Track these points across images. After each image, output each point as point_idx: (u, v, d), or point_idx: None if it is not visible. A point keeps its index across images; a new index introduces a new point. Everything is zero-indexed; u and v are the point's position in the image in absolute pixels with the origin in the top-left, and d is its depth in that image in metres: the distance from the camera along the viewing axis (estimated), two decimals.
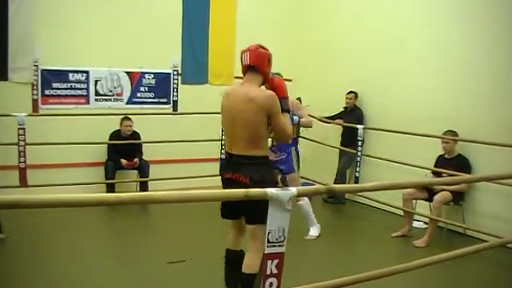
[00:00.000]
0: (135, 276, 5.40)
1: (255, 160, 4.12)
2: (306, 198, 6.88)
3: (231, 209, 4.29)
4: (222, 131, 8.55)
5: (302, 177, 9.23)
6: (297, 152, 6.80)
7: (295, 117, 6.53)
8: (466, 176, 6.51)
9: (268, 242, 2.78)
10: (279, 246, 2.80)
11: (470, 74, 7.28)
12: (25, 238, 6.39)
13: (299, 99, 9.03)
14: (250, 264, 4.06)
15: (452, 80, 7.52)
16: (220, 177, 4.45)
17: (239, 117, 4.12)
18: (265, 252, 2.80)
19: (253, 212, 3.91)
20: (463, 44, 7.38)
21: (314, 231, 6.99)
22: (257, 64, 4.28)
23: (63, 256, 5.87)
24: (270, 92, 4.16)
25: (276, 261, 2.82)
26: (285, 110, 4.20)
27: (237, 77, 9.82)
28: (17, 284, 5.12)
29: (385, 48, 8.56)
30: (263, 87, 4.35)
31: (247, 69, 4.32)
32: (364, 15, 9.04)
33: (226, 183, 4.23)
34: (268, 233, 2.76)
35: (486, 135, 6.74)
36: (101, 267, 5.65)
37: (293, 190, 2.79)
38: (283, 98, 4.22)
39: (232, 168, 4.18)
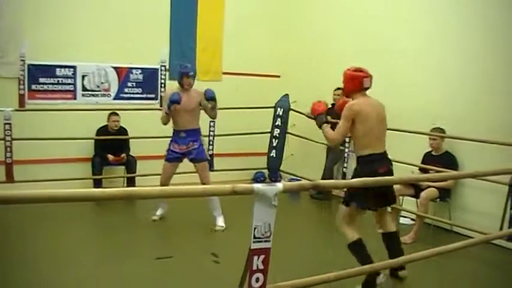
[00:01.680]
0: (122, 272, 5.38)
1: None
2: None
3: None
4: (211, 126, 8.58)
5: (289, 173, 9.28)
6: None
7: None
8: (452, 173, 6.54)
9: (254, 237, 2.78)
10: (265, 241, 2.81)
11: (457, 71, 7.31)
12: (10, 234, 6.35)
13: (286, 95, 9.06)
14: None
15: (440, 77, 7.54)
16: None
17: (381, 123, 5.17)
18: (251, 247, 2.80)
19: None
20: (450, 41, 7.41)
21: (222, 222, 6.98)
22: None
23: (48, 252, 5.83)
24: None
25: (262, 256, 2.83)
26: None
27: (225, 73, 9.85)
28: (2, 281, 5.08)
29: (372, 45, 8.56)
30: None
31: (366, 89, 5.28)
32: (352, 12, 9.05)
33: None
34: (254, 228, 2.77)
35: (473, 133, 6.77)
36: (87, 263, 5.63)
37: (279, 186, 2.79)
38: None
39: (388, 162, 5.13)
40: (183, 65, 7.05)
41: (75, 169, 8.47)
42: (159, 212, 7.22)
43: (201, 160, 6.87)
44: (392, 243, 5.29)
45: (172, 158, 6.88)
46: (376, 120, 5.08)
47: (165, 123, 6.80)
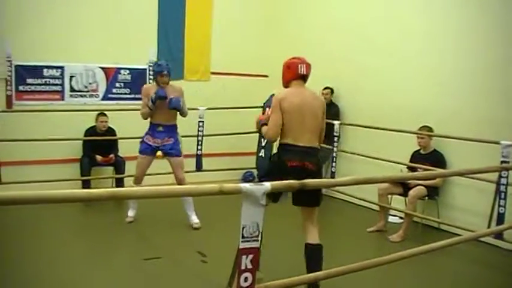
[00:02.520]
0: (110, 273, 5.38)
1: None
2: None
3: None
4: (200, 126, 8.57)
5: None
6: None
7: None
8: (439, 171, 6.56)
9: (243, 237, 2.77)
10: (254, 241, 2.80)
11: (445, 70, 7.35)
12: None
13: (274, 95, 9.04)
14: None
15: (427, 76, 7.58)
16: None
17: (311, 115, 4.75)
18: (240, 247, 2.80)
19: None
20: (436, 39, 7.45)
21: (197, 218, 7.05)
22: (308, 74, 5.00)
23: (35, 254, 5.81)
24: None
25: (250, 256, 2.82)
26: None
27: (213, 73, 9.84)
28: None
29: (359, 45, 8.60)
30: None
31: (301, 77, 4.97)
32: (338, 12, 9.09)
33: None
34: (243, 228, 2.76)
35: (461, 131, 6.80)
36: (75, 264, 5.60)
37: (267, 185, 2.79)
38: None
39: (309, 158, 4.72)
40: (157, 64, 7.13)
41: (64, 170, 8.43)
42: (131, 213, 7.21)
43: (175, 156, 6.94)
44: (312, 257, 4.80)
45: (145, 150, 6.94)
46: (303, 111, 4.73)
47: (145, 118, 6.91)
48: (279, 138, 4.85)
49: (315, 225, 4.96)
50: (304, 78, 4.96)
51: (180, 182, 6.93)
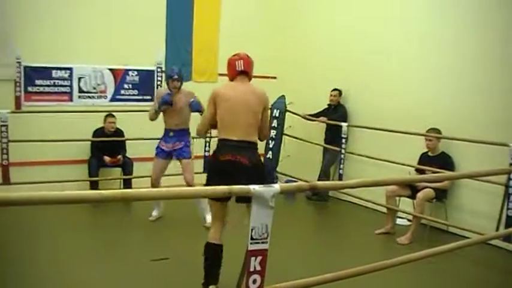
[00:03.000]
0: (117, 274, 5.39)
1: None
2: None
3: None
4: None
5: (286, 175, 9.27)
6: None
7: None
8: (447, 173, 6.54)
9: (252, 238, 2.78)
10: (263, 243, 2.80)
11: (453, 71, 7.33)
12: (6, 236, 6.33)
13: (283, 96, 9.05)
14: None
15: (435, 77, 7.56)
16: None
17: (247, 110, 4.73)
18: (249, 249, 2.80)
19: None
20: (444, 42, 7.43)
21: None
22: (249, 70, 4.97)
23: (45, 254, 5.83)
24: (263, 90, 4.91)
25: (259, 258, 2.82)
26: None
27: (221, 74, 9.83)
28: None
29: (367, 47, 8.59)
30: None
31: (242, 73, 4.93)
32: (346, 14, 9.07)
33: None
34: (252, 229, 2.76)
35: (469, 133, 6.79)
36: (83, 265, 5.61)
37: (276, 187, 2.79)
38: None
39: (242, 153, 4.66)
40: (170, 68, 7.26)
41: (72, 171, 8.46)
42: (155, 213, 7.33)
43: (183, 158, 7.00)
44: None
45: (158, 153, 7.05)
46: (236, 106, 4.72)
47: (152, 120, 6.98)
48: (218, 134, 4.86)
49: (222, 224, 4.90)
50: (244, 74, 4.93)
51: (188, 183, 6.95)
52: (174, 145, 6.97)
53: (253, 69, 5.02)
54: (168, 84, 6.97)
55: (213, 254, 4.73)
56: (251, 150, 4.74)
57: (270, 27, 10.31)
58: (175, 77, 6.89)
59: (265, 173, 4.98)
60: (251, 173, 4.56)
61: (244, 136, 4.70)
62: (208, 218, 6.93)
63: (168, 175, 7.32)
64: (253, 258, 2.82)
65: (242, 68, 4.91)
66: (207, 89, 9.25)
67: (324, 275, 3.26)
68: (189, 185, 6.92)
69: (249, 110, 4.74)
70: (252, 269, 2.82)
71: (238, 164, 4.60)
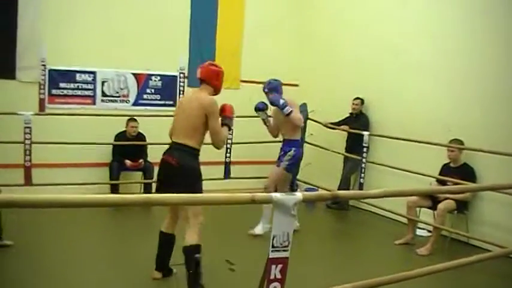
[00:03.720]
0: (136, 277, 5.40)
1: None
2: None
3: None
4: (230, 135, 8.60)
5: (306, 183, 9.25)
6: (296, 154, 7.04)
7: (287, 108, 6.76)
8: (470, 185, 6.49)
9: (273, 246, 2.78)
10: (284, 251, 2.80)
11: (476, 83, 7.28)
12: (26, 238, 6.37)
13: (305, 104, 9.05)
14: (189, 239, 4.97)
15: (458, 89, 7.52)
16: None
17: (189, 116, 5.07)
18: (270, 256, 2.80)
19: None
20: (469, 54, 7.38)
21: (260, 231, 6.99)
22: (206, 78, 5.22)
23: (64, 257, 5.86)
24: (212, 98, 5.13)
25: (280, 266, 2.82)
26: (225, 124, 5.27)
27: (243, 81, 9.87)
28: (19, 285, 5.12)
29: (391, 57, 8.56)
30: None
31: (200, 80, 5.27)
32: (371, 25, 9.05)
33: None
34: (273, 237, 2.77)
35: (491, 145, 6.73)
36: (102, 267, 5.66)
37: (298, 195, 2.79)
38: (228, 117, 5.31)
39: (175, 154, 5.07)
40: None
41: (93, 174, 8.53)
42: (259, 228, 7.07)
43: (276, 165, 7.10)
44: (167, 246, 5.32)
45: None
46: (181, 111, 5.15)
47: (271, 134, 7.47)
48: None
49: (174, 217, 5.27)
50: (202, 81, 5.24)
51: (264, 189, 7.01)
52: (279, 154, 7.10)
53: (217, 78, 5.26)
54: None
55: (165, 242, 5.22)
56: (183, 152, 5.02)
57: (293, 35, 10.33)
58: (265, 90, 7.10)
59: (193, 177, 5.08)
60: (176, 173, 4.97)
61: (180, 139, 5.06)
62: (258, 229, 6.97)
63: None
64: (273, 266, 2.82)
65: (198, 75, 5.24)
66: (229, 96, 9.31)
67: (343, 285, 3.25)
68: (265, 191, 6.92)
69: (189, 115, 5.04)
70: (272, 277, 2.82)
71: (167, 163, 5.04)
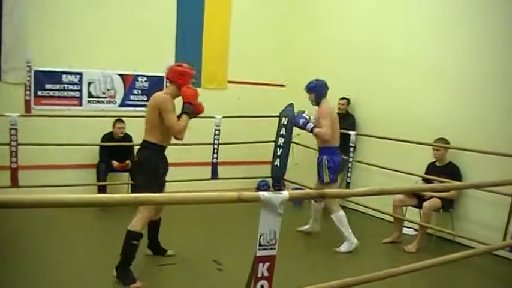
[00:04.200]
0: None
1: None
2: (338, 212, 6.78)
3: None
4: (216, 134, 8.62)
5: (293, 183, 9.28)
6: (329, 161, 6.75)
7: (309, 124, 6.75)
8: (454, 183, 6.55)
9: (260, 245, 2.80)
10: (271, 249, 2.83)
11: (461, 82, 7.34)
12: (14, 239, 6.37)
13: (291, 105, 9.08)
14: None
15: (443, 88, 7.57)
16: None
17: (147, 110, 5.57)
18: (257, 255, 2.82)
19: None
20: (454, 52, 7.45)
21: (344, 247, 6.74)
22: (171, 78, 5.60)
23: (52, 258, 5.85)
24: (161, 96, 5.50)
25: (267, 264, 2.85)
26: (184, 112, 5.44)
27: (230, 81, 9.89)
28: (4, 283, 5.10)
29: (377, 56, 8.61)
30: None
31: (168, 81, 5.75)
32: (356, 24, 9.10)
33: None
34: (260, 236, 2.79)
35: (477, 144, 6.79)
36: (90, 269, 5.64)
37: (285, 194, 2.81)
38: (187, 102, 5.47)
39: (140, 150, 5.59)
40: None
41: (80, 175, 8.50)
42: (308, 226, 7.39)
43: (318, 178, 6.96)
44: (154, 229, 5.95)
45: None
46: (147, 111, 5.56)
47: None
48: None
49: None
50: (169, 80, 5.72)
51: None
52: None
53: (180, 77, 5.50)
54: None
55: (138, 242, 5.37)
56: (143, 149, 5.51)
57: (280, 36, 10.35)
58: (306, 90, 6.92)
59: (144, 170, 5.44)
60: (137, 168, 5.62)
61: (144, 136, 5.54)
62: (344, 247, 6.73)
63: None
64: (261, 264, 2.84)
65: (166, 76, 5.88)
66: (217, 96, 9.38)
67: (330, 282, 3.28)
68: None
69: (148, 113, 5.50)
70: (260, 275, 2.85)
71: (133, 162, 5.79)
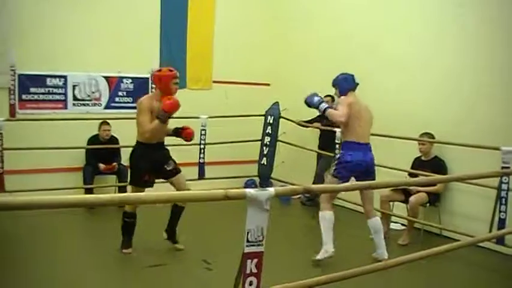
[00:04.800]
0: (114, 280, 5.42)
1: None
2: (325, 212, 6.22)
3: None
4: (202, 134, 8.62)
5: (280, 181, 9.30)
6: (342, 158, 6.20)
7: (323, 104, 6.39)
8: (439, 176, 6.59)
9: (248, 241, 2.82)
10: (258, 245, 2.85)
11: (446, 77, 7.40)
12: (1, 246, 6.35)
13: (277, 103, 9.12)
14: None
15: (428, 83, 7.63)
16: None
17: None
18: (245, 251, 2.84)
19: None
20: (438, 48, 7.50)
21: (320, 255, 6.10)
22: (154, 83, 6.36)
23: (40, 261, 5.83)
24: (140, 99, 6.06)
25: (255, 260, 2.87)
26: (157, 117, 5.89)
27: (215, 82, 9.90)
28: None
29: (360, 52, 8.64)
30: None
31: None
32: (338, 20, 9.15)
33: None
34: (248, 232, 2.81)
35: (462, 138, 6.84)
36: (79, 271, 5.63)
37: (271, 190, 2.84)
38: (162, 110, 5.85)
39: None
40: None
41: (67, 178, 8.47)
42: (324, 252, 6.13)
43: None
44: (174, 216, 6.32)
45: None
46: None
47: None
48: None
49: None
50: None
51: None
52: None
53: (159, 81, 5.96)
54: None
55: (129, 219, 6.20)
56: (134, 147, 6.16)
57: (264, 35, 10.36)
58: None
59: (131, 165, 6.17)
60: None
61: None
62: (320, 255, 6.09)
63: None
64: (249, 261, 2.86)
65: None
66: (201, 96, 9.39)
67: (317, 278, 3.30)
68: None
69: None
70: (248, 271, 2.87)
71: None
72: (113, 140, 8.64)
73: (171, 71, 6.02)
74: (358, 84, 6.47)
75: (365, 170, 6.08)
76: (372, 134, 7.81)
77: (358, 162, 6.09)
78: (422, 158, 7.30)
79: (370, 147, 6.31)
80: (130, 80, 9.27)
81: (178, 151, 8.60)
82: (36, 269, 5.59)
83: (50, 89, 8.61)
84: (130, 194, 2.49)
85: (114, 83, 9.13)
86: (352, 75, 6.53)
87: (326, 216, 6.18)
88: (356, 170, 6.07)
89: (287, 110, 9.19)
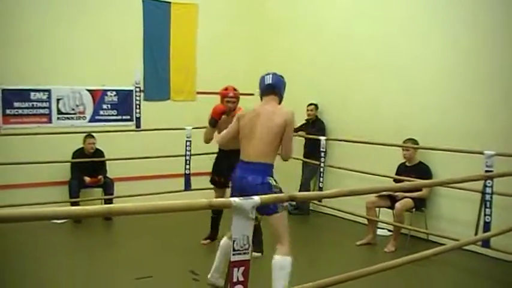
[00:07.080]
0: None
1: None
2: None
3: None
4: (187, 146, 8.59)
5: None
6: None
7: None
8: (423, 181, 6.63)
9: (234, 250, 2.84)
10: (244, 253, 2.86)
11: (428, 83, 7.47)
12: None
13: None
14: None
15: (411, 89, 7.70)
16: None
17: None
18: (231, 260, 2.85)
19: None
20: (420, 55, 7.57)
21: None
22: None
23: (27, 275, 5.80)
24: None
25: (241, 268, 2.88)
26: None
27: (199, 92, 9.90)
28: None
29: (344, 60, 8.71)
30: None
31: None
32: (321, 30, 9.21)
33: None
34: (233, 241, 2.83)
35: (445, 143, 6.90)
36: (65, 284, 5.61)
37: (256, 199, 2.85)
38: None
39: None
40: None
41: (52, 192, 8.41)
42: None
43: None
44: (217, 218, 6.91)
45: None
46: None
47: None
48: None
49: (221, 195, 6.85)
50: None
51: None
52: None
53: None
54: None
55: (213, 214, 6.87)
56: None
57: (246, 44, 10.41)
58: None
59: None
60: None
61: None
62: None
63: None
64: (236, 269, 2.88)
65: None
66: (185, 108, 9.37)
67: (302, 285, 3.31)
68: None
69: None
70: (235, 280, 2.88)
71: None
72: (98, 153, 8.62)
73: (226, 89, 6.88)
74: (272, 87, 5.29)
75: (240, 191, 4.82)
76: (356, 142, 7.89)
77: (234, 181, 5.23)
78: (407, 163, 7.35)
79: (257, 167, 5.24)
80: (114, 93, 9.26)
81: (163, 163, 8.66)
82: (18, 283, 5.56)
83: (34, 103, 8.58)
84: (114, 206, 2.48)
85: (98, 96, 9.12)
86: (271, 74, 5.41)
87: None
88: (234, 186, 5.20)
89: None
